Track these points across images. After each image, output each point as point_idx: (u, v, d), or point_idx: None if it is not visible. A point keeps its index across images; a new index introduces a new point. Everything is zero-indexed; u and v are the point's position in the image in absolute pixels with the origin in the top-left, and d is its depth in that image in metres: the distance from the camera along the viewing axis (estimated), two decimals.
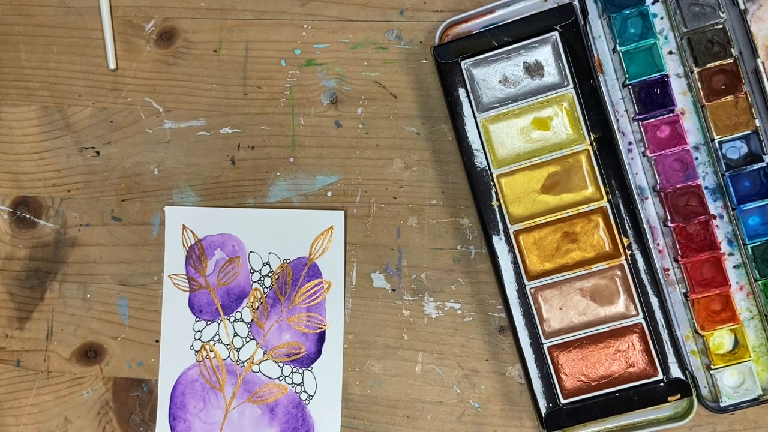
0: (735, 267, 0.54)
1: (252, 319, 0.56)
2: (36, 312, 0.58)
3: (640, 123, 0.53)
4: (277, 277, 0.56)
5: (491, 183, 0.54)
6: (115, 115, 0.58)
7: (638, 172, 0.54)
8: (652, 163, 0.53)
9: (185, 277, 0.57)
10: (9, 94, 0.59)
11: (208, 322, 0.56)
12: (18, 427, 0.58)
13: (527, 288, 0.53)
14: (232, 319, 0.56)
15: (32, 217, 0.58)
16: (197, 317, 0.56)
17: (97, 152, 0.58)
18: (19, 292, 0.58)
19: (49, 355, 0.58)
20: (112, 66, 0.58)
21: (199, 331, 0.56)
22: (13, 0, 0.59)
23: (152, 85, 0.58)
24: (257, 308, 0.56)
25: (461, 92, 0.54)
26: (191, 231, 0.56)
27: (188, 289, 0.57)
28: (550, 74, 0.54)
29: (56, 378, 0.58)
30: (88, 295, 0.58)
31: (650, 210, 0.54)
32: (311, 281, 0.56)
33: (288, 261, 0.56)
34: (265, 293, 0.56)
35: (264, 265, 0.56)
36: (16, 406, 0.58)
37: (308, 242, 0.56)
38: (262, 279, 0.56)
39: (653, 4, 0.54)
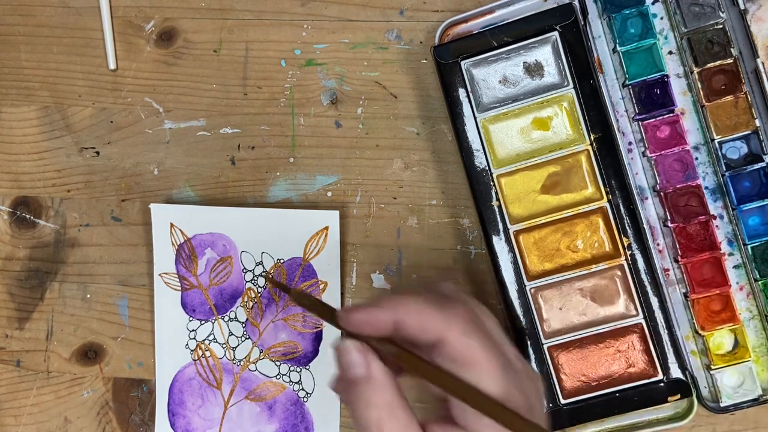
0: (735, 267, 0.54)
1: (247, 319, 0.56)
2: (36, 312, 0.58)
3: (640, 123, 0.53)
4: (271, 276, 0.56)
5: (491, 183, 0.54)
6: (115, 115, 0.58)
7: (638, 172, 0.54)
8: (652, 163, 0.53)
9: (176, 276, 0.56)
10: (9, 94, 0.59)
11: (202, 322, 0.56)
12: (18, 427, 0.58)
13: (527, 288, 0.53)
14: (226, 318, 0.56)
15: (32, 217, 0.58)
16: (191, 317, 0.56)
17: (97, 152, 0.58)
18: (19, 292, 0.58)
19: (49, 355, 0.58)
20: (112, 66, 0.58)
21: (193, 330, 0.56)
22: (13, 0, 0.59)
23: (152, 85, 0.58)
24: (251, 308, 0.56)
25: (461, 92, 0.54)
26: (180, 229, 0.56)
27: (180, 288, 0.56)
28: (550, 74, 0.53)
29: (56, 378, 0.58)
30: (88, 295, 0.58)
31: (650, 210, 0.54)
32: (306, 281, 0.56)
33: (282, 261, 0.56)
34: (259, 293, 0.56)
35: (257, 264, 0.56)
36: (16, 406, 0.58)
37: (302, 242, 0.56)
38: (255, 279, 0.56)
39: (653, 4, 0.54)
